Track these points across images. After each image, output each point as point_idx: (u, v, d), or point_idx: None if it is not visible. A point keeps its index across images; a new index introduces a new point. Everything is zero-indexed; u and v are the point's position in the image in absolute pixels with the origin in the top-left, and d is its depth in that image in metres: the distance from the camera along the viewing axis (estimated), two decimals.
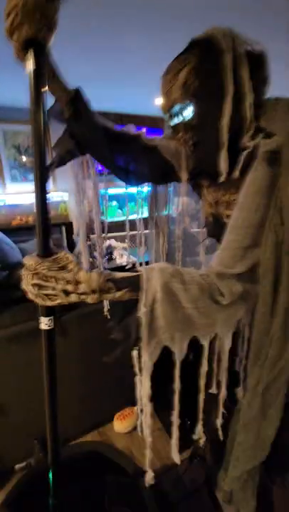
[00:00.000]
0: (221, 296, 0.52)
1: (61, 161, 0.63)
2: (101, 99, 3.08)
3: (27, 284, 0.47)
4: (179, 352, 0.55)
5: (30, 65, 0.42)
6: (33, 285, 0.47)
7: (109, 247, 2.75)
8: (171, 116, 0.59)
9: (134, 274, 0.51)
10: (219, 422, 0.66)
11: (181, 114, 0.57)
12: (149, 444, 0.61)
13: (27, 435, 0.92)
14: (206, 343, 0.55)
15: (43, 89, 0.45)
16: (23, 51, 0.42)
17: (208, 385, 0.68)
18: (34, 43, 0.41)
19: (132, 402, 1.59)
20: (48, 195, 0.49)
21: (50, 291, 0.47)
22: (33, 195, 0.48)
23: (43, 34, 0.41)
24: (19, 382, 0.78)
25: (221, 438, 0.70)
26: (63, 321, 1.27)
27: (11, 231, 3.03)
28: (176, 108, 0.57)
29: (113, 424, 1.51)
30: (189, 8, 1.44)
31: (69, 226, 3.36)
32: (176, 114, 0.58)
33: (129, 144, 0.72)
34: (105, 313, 0.87)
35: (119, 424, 1.50)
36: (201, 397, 0.61)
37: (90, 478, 0.93)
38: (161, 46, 1.79)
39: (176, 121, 0.59)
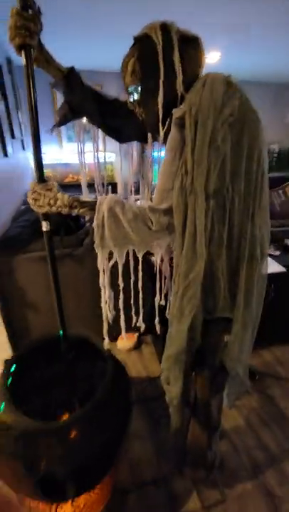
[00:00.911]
0: (150, 223, 0.75)
1: (60, 122, 0.89)
2: None
3: (29, 198, 0.78)
4: (120, 257, 0.82)
5: (23, 59, 0.67)
6: (31, 199, 0.78)
7: None
8: (129, 95, 0.78)
9: (94, 199, 0.77)
10: (156, 319, 0.93)
11: (134, 94, 0.76)
12: (105, 318, 0.92)
13: (53, 327, 1.29)
14: (140, 256, 0.81)
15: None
16: (19, 51, 0.68)
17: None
18: (24, 46, 0.66)
19: (134, 328, 1.95)
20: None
21: (40, 203, 0.77)
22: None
23: (28, 41, 0.66)
24: (48, 289, 1.11)
25: (158, 332, 0.98)
26: (80, 252, 1.62)
27: (63, 187, 3.48)
28: (130, 89, 0.76)
29: (117, 343, 1.91)
30: None
31: (114, 186, 3.67)
32: (132, 93, 0.77)
33: (118, 109, 0.93)
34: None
35: (121, 343, 1.89)
36: (140, 295, 0.88)
37: (85, 357, 1.29)
38: (203, 7, 1.81)
39: (131, 99, 0.78)
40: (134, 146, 1.08)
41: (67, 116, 0.87)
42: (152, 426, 1.41)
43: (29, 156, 3.50)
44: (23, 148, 3.11)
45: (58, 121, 0.88)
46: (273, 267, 1.60)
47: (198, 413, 1.06)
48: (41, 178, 0.78)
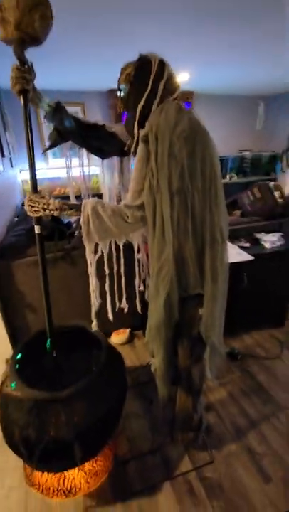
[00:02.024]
0: (126, 217, 0.94)
1: (51, 146, 1.08)
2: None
3: (26, 205, 0.96)
4: (104, 247, 1.01)
5: (21, 101, 0.87)
6: (28, 206, 0.95)
7: None
8: (119, 91, 0.99)
9: (80, 203, 0.95)
10: (138, 300, 1.11)
11: (122, 92, 0.96)
12: (93, 303, 1.09)
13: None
14: (120, 244, 1.00)
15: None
16: (19, 95, 0.87)
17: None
18: (23, 91, 0.86)
19: (126, 325, 2.10)
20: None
21: (35, 209, 0.94)
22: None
23: (26, 87, 0.85)
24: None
25: (140, 311, 1.15)
26: (73, 255, 1.79)
27: None
28: (121, 87, 0.96)
29: (111, 338, 2.06)
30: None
31: (100, 197, 3.86)
32: (121, 90, 0.97)
33: (97, 131, 1.13)
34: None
35: (115, 337, 2.05)
36: (123, 281, 1.06)
37: (81, 347, 1.43)
38: (170, 34, 2.06)
39: (119, 94, 0.99)
40: (115, 160, 1.27)
41: (56, 140, 1.07)
42: (146, 406, 1.56)
43: (17, 172, 3.68)
44: (12, 165, 3.28)
45: (50, 145, 1.07)
46: (244, 256, 1.81)
47: (182, 381, 1.22)
48: (35, 189, 0.97)
